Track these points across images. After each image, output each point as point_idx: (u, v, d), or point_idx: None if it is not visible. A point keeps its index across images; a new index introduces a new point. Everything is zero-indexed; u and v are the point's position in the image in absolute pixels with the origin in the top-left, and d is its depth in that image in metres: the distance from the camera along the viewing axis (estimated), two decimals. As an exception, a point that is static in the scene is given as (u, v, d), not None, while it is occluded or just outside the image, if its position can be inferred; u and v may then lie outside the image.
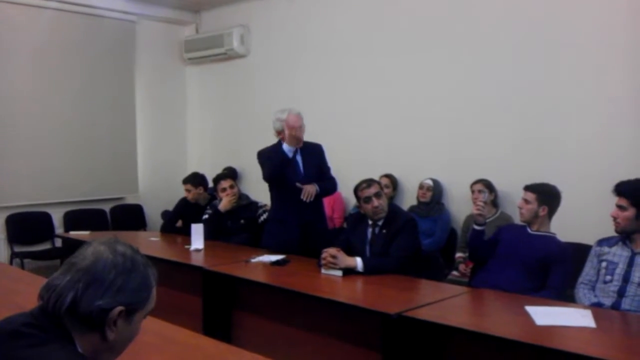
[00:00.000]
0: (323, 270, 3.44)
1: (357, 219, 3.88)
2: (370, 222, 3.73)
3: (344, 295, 3.13)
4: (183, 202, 5.19)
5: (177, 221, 5.14)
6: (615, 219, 3.03)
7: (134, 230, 6.53)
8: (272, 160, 4.03)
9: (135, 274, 1.33)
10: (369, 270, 3.39)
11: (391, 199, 5.14)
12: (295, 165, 4.11)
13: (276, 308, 3.39)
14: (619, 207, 3.01)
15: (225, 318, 3.62)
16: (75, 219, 6.35)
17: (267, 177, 4.11)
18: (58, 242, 6.09)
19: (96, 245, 1.34)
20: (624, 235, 3.07)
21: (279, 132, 4.10)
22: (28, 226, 6.10)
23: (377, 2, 5.62)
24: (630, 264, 2.99)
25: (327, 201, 5.40)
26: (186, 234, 4.52)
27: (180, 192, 5.36)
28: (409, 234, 3.61)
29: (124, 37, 6.85)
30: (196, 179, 5.13)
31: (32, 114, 6.12)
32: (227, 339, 3.45)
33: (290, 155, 3.96)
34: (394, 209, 3.82)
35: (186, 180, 5.15)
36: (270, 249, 4.09)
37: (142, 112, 7.09)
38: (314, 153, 4.22)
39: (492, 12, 4.84)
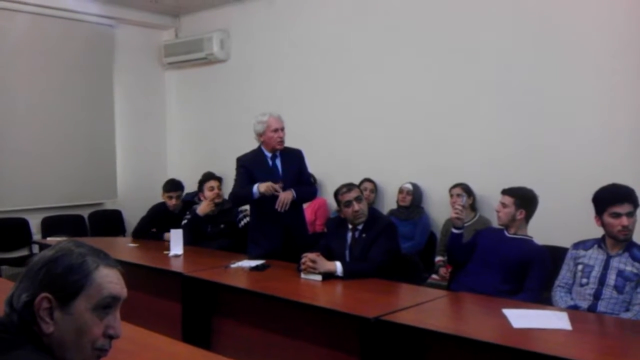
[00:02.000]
0: (302, 275, 3.44)
1: (337, 223, 3.88)
2: (350, 226, 3.74)
3: (323, 300, 3.12)
4: (158, 208, 5.09)
5: (151, 227, 5.07)
6: (626, 227, 2.94)
7: (113, 236, 6.47)
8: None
9: (61, 261, 1.27)
10: (348, 274, 3.40)
11: (371, 203, 5.15)
12: (274, 170, 4.10)
13: (256, 313, 3.38)
14: (629, 214, 2.94)
15: (204, 324, 3.60)
16: (53, 225, 6.27)
17: (230, 200, 4.37)
18: (36, 249, 6.00)
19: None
20: (600, 239, 3.11)
21: (260, 135, 4.09)
22: (5, 232, 6.02)
23: (357, 6, 5.64)
24: (606, 267, 3.03)
25: (311, 206, 5.42)
26: (159, 239, 4.65)
27: (160, 197, 5.30)
28: (388, 239, 3.62)
29: (103, 41, 6.80)
30: (181, 185, 5.07)
31: (8, 119, 6.04)
32: (206, 345, 3.43)
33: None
34: (373, 213, 3.83)
35: (175, 188, 5.00)
36: (257, 257, 4.04)
37: (121, 117, 7.04)
38: (293, 158, 4.21)
39: (472, 19, 4.88)
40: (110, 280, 1.32)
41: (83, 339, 1.28)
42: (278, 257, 3.93)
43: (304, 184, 4.23)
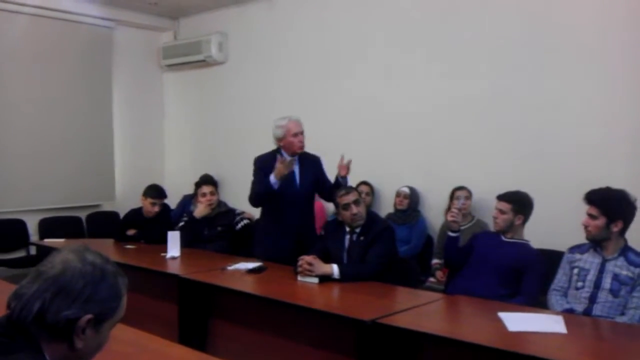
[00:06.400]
0: (299, 278, 3.44)
1: (334, 226, 3.88)
2: (348, 229, 3.74)
3: (319, 303, 3.13)
4: (135, 212, 5.08)
5: (127, 230, 5.03)
6: (586, 227, 3.06)
7: (110, 237, 6.45)
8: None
9: (104, 283, 1.32)
10: (345, 277, 3.40)
11: (369, 206, 5.15)
12: (291, 176, 4.04)
13: (252, 316, 3.38)
14: (590, 215, 3.04)
15: (201, 326, 3.61)
16: (50, 226, 6.26)
17: (251, 203, 4.13)
18: (33, 250, 6.00)
19: (65, 254, 1.32)
20: (596, 243, 3.12)
21: (279, 140, 4.04)
22: (2, 233, 6.00)
23: (356, 9, 5.65)
24: (601, 270, 3.04)
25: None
26: (137, 240, 4.82)
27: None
28: (386, 242, 3.63)
29: (101, 43, 6.81)
30: (165, 193, 5.02)
31: (6, 120, 6.04)
32: (202, 347, 3.44)
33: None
34: (371, 216, 3.82)
35: (159, 195, 4.93)
36: (261, 257, 4.02)
37: (120, 119, 7.06)
38: (311, 165, 4.17)
39: (472, 22, 4.89)
40: (126, 302, 1.40)
41: (97, 351, 1.37)
42: (286, 259, 3.84)
43: (326, 189, 4.18)
